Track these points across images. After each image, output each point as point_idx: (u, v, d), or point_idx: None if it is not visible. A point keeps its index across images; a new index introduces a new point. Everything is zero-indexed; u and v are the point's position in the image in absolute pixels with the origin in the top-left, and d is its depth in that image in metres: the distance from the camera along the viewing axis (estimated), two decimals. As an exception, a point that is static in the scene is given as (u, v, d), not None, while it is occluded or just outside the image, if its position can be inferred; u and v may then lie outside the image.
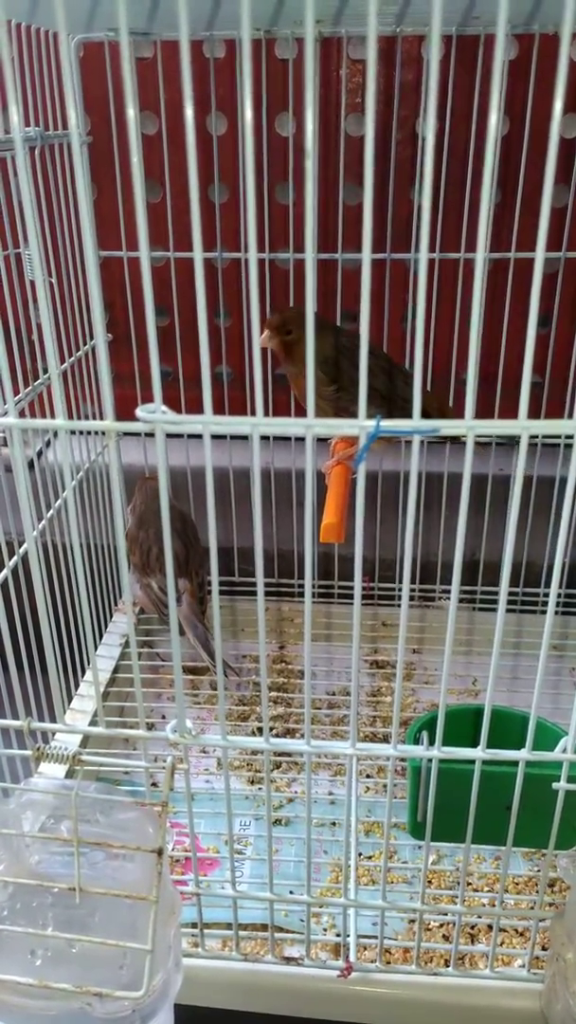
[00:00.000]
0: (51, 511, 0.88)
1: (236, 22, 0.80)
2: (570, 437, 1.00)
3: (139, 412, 0.42)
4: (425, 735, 0.60)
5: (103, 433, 0.78)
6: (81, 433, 1.00)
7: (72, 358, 0.94)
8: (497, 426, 0.42)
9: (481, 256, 0.39)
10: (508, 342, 1.00)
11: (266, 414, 0.42)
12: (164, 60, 0.92)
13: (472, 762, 0.55)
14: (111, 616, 1.12)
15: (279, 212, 1.07)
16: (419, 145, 1.03)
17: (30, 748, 0.55)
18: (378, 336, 1.05)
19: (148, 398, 0.43)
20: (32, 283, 0.78)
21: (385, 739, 0.96)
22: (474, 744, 0.54)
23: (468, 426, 0.42)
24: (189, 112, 0.37)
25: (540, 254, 0.39)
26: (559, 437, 1.05)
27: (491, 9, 0.73)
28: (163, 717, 1.01)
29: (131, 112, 0.38)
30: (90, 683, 0.96)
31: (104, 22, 0.80)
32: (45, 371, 0.82)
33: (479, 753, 0.54)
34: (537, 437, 1.06)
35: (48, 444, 1.04)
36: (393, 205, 1.00)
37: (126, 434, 0.94)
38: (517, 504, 0.45)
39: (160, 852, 0.50)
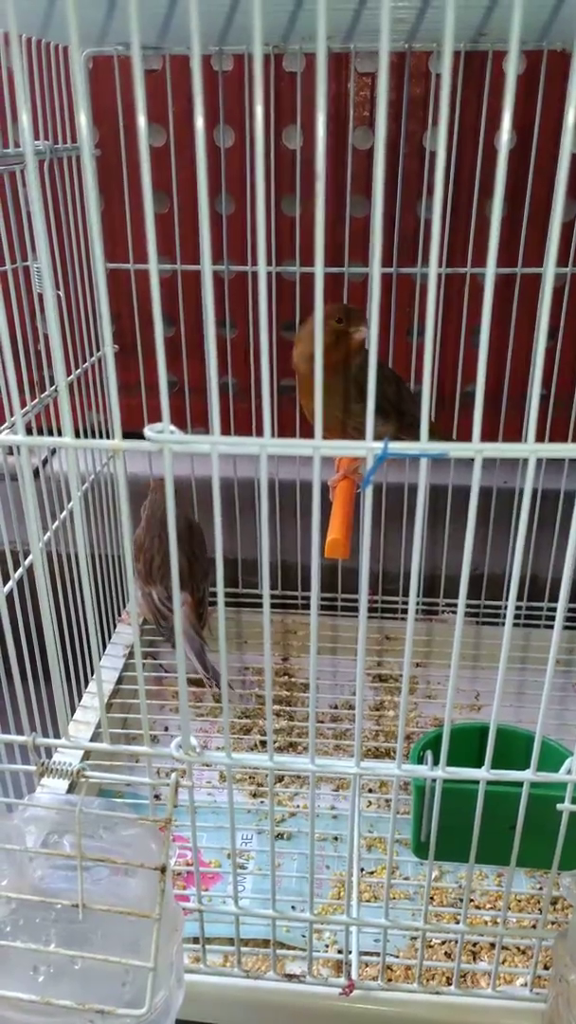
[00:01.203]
0: (56, 522, 0.88)
1: (247, 38, 0.81)
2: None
3: (147, 432, 0.42)
4: (429, 754, 0.60)
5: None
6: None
7: (79, 370, 0.94)
8: (505, 449, 0.42)
9: (491, 271, 0.39)
10: (514, 356, 1.00)
11: (272, 426, 0.42)
12: (173, 73, 0.93)
13: (476, 782, 0.55)
14: (115, 627, 1.12)
15: (285, 224, 1.07)
16: (426, 159, 1.04)
17: (33, 762, 0.54)
18: (384, 349, 1.05)
19: (154, 407, 0.43)
20: (40, 295, 0.78)
21: (388, 754, 0.95)
22: (478, 762, 0.54)
23: (476, 449, 0.41)
24: (200, 124, 0.37)
25: (550, 269, 0.39)
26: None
27: (501, 27, 0.73)
28: (166, 729, 1.00)
29: (141, 125, 0.38)
30: (93, 694, 0.96)
31: (115, 36, 0.81)
32: (52, 382, 0.82)
33: (483, 774, 0.54)
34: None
35: (53, 452, 1.04)
36: (399, 219, 1.00)
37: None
38: (524, 525, 0.45)
39: (163, 869, 0.50)
